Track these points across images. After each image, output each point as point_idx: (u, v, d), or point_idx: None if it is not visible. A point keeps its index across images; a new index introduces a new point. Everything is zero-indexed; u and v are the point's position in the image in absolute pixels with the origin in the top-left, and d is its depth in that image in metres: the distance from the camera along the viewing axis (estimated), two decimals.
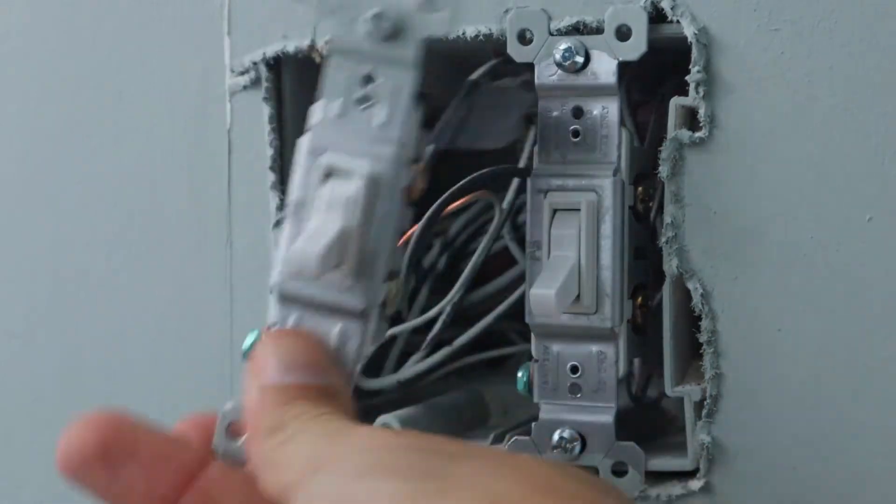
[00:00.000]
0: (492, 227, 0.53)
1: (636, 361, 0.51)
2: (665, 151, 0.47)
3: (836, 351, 0.47)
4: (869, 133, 0.46)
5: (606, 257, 0.47)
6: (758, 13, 0.47)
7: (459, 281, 0.54)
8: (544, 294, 0.45)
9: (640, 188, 0.49)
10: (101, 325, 0.57)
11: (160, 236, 0.56)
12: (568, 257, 0.47)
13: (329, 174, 0.41)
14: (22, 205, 0.59)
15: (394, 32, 0.41)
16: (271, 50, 0.53)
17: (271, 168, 0.54)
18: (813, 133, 0.46)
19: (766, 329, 0.47)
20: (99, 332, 0.57)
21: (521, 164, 0.50)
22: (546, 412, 0.49)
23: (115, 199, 0.57)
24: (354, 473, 0.33)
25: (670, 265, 0.48)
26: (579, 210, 0.47)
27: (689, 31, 0.47)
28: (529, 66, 0.49)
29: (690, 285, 0.48)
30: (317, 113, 0.42)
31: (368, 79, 0.42)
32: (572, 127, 0.48)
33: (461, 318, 0.55)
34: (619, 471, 0.49)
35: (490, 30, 0.49)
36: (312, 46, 0.52)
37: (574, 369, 0.48)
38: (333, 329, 0.41)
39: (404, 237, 0.44)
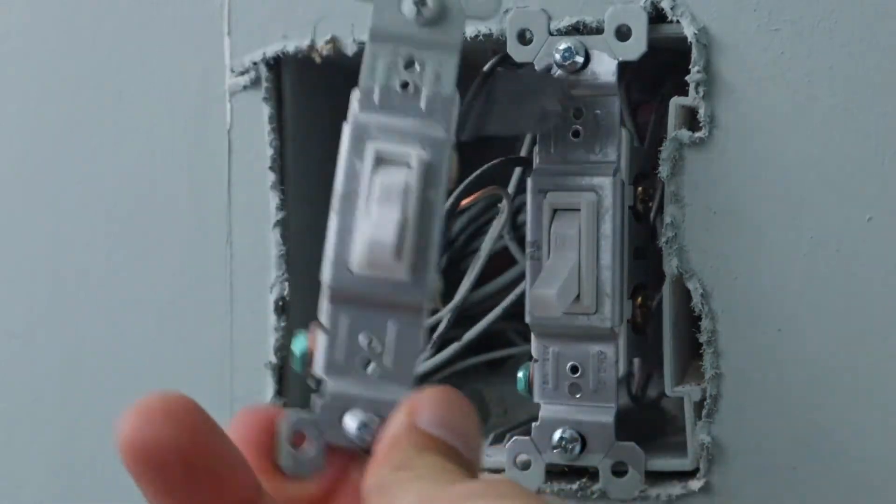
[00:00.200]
0: (501, 224, 0.52)
1: (636, 361, 0.51)
2: (665, 151, 0.47)
3: (836, 351, 0.47)
4: (869, 133, 0.46)
5: (606, 257, 0.47)
6: (758, 13, 0.47)
7: (468, 281, 0.53)
8: (545, 294, 0.45)
9: (640, 188, 0.49)
10: (101, 325, 0.57)
11: (160, 236, 0.56)
12: (568, 257, 0.47)
13: (378, 162, 0.39)
14: (22, 205, 0.59)
15: (438, 16, 0.41)
16: (271, 50, 0.53)
17: (271, 168, 0.54)
18: (813, 133, 0.46)
19: (766, 329, 0.47)
20: (99, 332, 0.57)
21: (522, 153, 0.50)
22: (546, 412, 0.49)
23: (115, 199, 0.57)
24: None
25: (670, 265, 0.48)
26: (579, 210, 0.47)
27: (689, 31, 0.47)
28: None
29: (690, 285, 0.48)
30: (356, 100, 0.41)
31: (409, 63, 0.40)
32: (572, 127, 0.48)
33: (462, 317, 0.55)
34: (619, 471, 0.49)
35: (490, 30, 0.49)
36: (312, 46, 0.52)
37: (574, 369, 0.48)
38: (389, 325, 0.39)
39: None
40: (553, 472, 0.50)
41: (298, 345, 0.41)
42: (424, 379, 0.56)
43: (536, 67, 0.48)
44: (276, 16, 0.53)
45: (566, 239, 0.47)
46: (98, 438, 0.57)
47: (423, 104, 0.40)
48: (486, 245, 0.53)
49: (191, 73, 0.55)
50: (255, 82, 0.54)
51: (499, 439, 0.53)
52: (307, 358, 0.40)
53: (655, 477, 0.49)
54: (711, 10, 0.47)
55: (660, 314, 0.49)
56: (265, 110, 0.54)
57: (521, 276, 0.51)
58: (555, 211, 0.48)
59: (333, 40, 0.52)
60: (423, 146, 0.39)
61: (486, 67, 0.48)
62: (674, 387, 0.48)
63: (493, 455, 0.51)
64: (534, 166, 0.49)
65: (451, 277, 0.55)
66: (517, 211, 0.56)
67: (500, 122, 0.46)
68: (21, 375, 0.59)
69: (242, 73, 0.54)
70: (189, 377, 0.55)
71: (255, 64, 0.53)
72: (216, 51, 0.54)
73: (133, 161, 0.56)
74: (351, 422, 0.39)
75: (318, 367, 0.40)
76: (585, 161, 0.48)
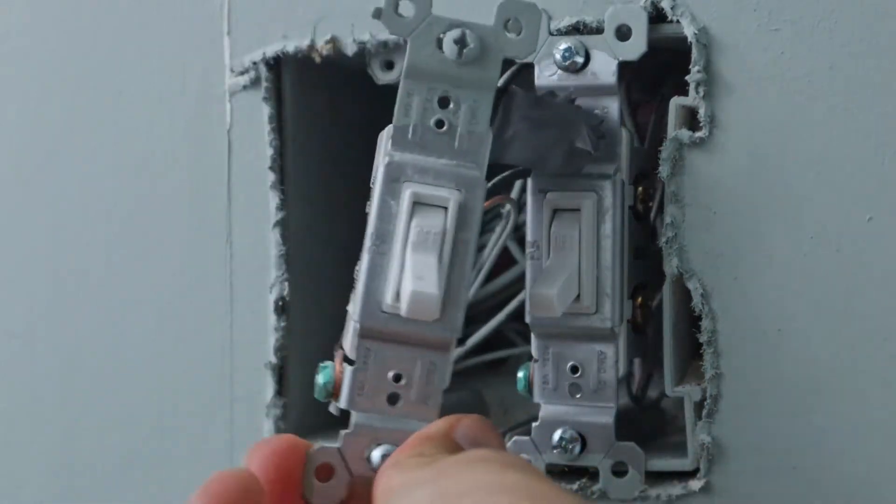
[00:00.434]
0: (506, 229, 0.52)
1: (636, 361, 0.51)
2: (665, 151, 0.47)
3: (836, 351, 0.47)
4: (869, 133, 0.46)
5: (606, 257, 0.47)
6: (758, 13, 0.47)
7: (473, 285, 0.53)
8: (545, 294, 0.45)
9: (640, 188, 0.49)
10: (101, 325, 0.57)
11: (160, 236, 0.56)
12: (568, 257, 0.47)
13: (416, 204, 0.40)
14: (22, 205, 0.59)
15: (478, 55, 0.40)
16: (271, 50, 0.53)
17: (271, 168, 0.54)
18: (813, 133, 0.46)
19: (766, 329, 0.47)
20: (99, 332, 0.57)
21: None
22: (546, 412, 0.49)
23: (115, 198, 0.57)
24: (426, 499, 0.34)
25: (670, 265, 0.48)
26: (579, 210, 0.47)
27: (689, 31, 0.47)
28: (529, 66, 0.49)
29: (690, 285, 0.48)
30: (388, 138, 0.41)
31: (444, 102, 0.41)
32: None
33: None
34: (619, 471, 0.49)
35: None
36: (312, 46, 0.52)
37: (574, 369, 0.48)
38: (417, 361, 0.40)
39: None
40: (553, 472, 0.50)
41: (324, 375, 0.41)
42: None
43: (536, 68, 0.48)
44: (276, 16, 0.53)
45: (566, 239, 0.47)
46: (98, 438, 0.57)
47: (457, 143, 0.40)
48: (490, 252, 0.53)
49: (191, 73, 0.55)
50: (255, 82, 0.54)
51: None
52: (331, 388, 0.41)
53: (655, 477, 0.49)
54: (711, 10, 0.47)
55: (660, 314, 0.49)
56: (265, 110, 0.54)
57: (522, 277, 0.51)
58: (555, 211, 0.48)
59: (333, 40, 0.52)
60: (458, 187, 0.39)
61: (499, 83, 0.48)
62: (674, 387, 0.48)
63: None
64: None
65: None
66: (517, 211, 0.56)
67: (523, 153, 0.44)
68: (21, 375, 0.59)
69: (242, 73, 0.54)
70: (189, 377, 0.55)
71: (255, 64, 0.53)
72: (216, 51, 0.54)
73: (133, 161, 0.56)
74: (375, 453, 0.40)
75: (344, 400, 0.41)
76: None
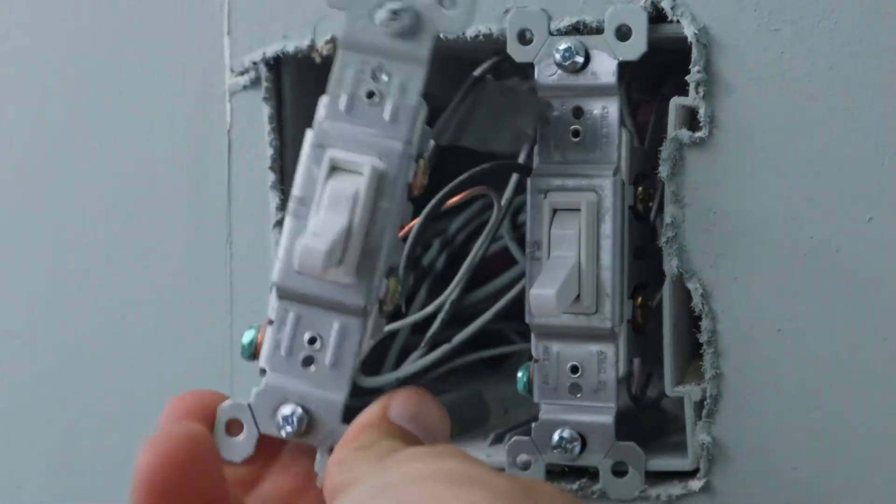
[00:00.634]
0: (490, 224, 0.52)
1: (636, 361, 0.51)
2: (665, 151, 0.47)
3: (836, 351, 0.47)
4: (869, 133, 0.46)
5: (606, 257, 0.47)
6: (758, 13, 0.47)
7: (458, 276, 0.54)
8: (544, 294, 0.45)
9: (640, 188, 0.49)
10: (101, 325, 0.57)
11: (160, 236, 0.56)
12: (568, 257, 0.47)
13: (333, 169, 0.41)
14: (22, 204, 0.59)
15: (410, 28, 0.41)
16: (271, 50, 0.53)
17: (271, 168, 0.54)
18: (813, 133, 0.46)
19: (766, 329, 0.47)
20: (99, 332, 0.57)
21: (520, 160, 0.50)
22: (546, 412, 0.49)
23: (115, 198, 0.57)
24: (370, 494, 0.35)
25: (670, 265, 0.48)
26: (579, 210, 0.47)
27: (689, 31, 0.47)
28: (529, 66, 0.49)
29: (690, 285, 0.48)
30: (323, 107, 0.42)
31: (377, 74, 0.41)
32: (572, 127, 0.48)
33: (462, 318, 0.55)
34: (619, 471, 0.49)
35: (490, 30, 0.49)
36: (312, 46, 0.52)
37: (574, 369, 0.48)
38: (332, 326, 0.41)
39: (402, 232, 0.44)
40: (553, 472, 0.50)
41: (248, 335, 0.43)
42: (424, 376, 0.56)
43: (536, 69, 0.48)
44: (276, 16, 0.53)
45: (566, 239, 0.47)
46: (98, 438, 0.57)
47: (386, 114, 0.41)
48: (479, 247, 0.53)
49: (191, 73, 0.55)
50: (255, 82, 0.54)
51: (499, 439, 0.53)
52: (253, 348, 0.43)
53: (655, 477, 0.49)
54: (711, 10, 0.47)
55: (660, 314, 0.49)
56: (265, 110, 0.54)
57: (521, 276, 0.51)
58: (555, 211, 0.48)
59: (333, 40, 0.52)
60: (378, 155, 0.40)
61: (477, 71, 0.49)
62: (674, 387, 0.48)
63: (493, 455, 0.51)
64: (534, 166, 0.49)
65: (451, 277, 0.55)
66: (517, 211, 0.56)
67: (475, 135, 0.46)
68: (21, 375, 0.59)
69: (242, 73, 0.54)
70: (189, 377, 0.55)
71: (255, 64, 0.53)
72: (216, 51, 0.54)
73: (133, 161, 0.56)
74: (281, 413, 0.41)
75: (262, 359, 0.42)
76: (585, 161, 0.48)
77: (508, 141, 0.47)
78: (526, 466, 0.49)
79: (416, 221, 0.48)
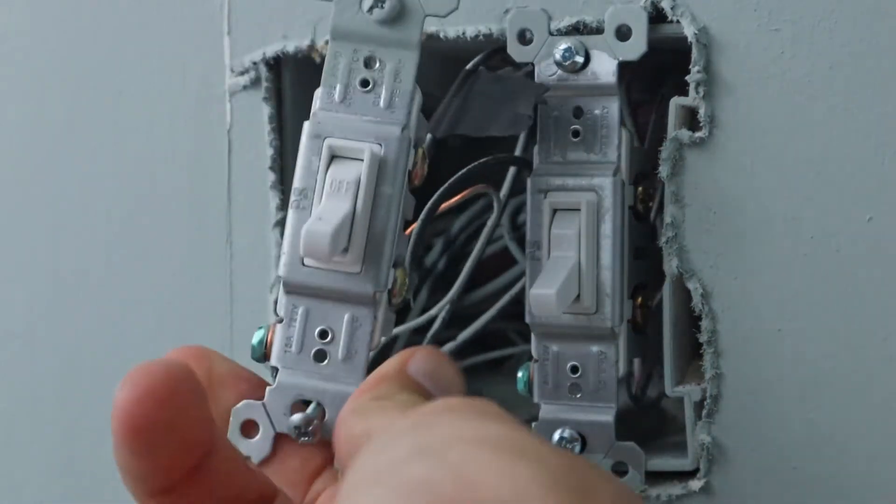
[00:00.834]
0: (491, 219, 0.52)
1: (636, 361, 0.51)
2: (665, 151, 0.47)
3: (836, 351, 0.47)
4: (869, 133, 0.46)
5: (606, 257, 0.47)
6: (758, 13, 0.47)
7: (460, 278, 0.54)
8: (545, 294, 0.45)
9: (640, 188, 0.49)
10: (101, 324, 0.57)
11: (160, 236, 0.56)
12: (568, 257, 0.47)
13: (333, 158, 0.40)
14: (22, 204, 0.59)
15: (397, 14, 0.41)
16: (271, 50, 0.53)
17: (271, 168, 0.54)
18: (813, 133, 0.46)
19: (766, 329, 0.47)
20: (99, 332, 0.57)
21: (517, 152, 0.50)
22: (546, 412, 0.49)
23: (115, 198, 0.57)
24: (408, 452, 0.31)
25: (670, 265, 0.48)
26: (579, 210, 0.47)
27: (689, 31, 0.47)
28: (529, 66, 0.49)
29: (690, 285, 0.48)
30: (318, 98, 0.42)
31: (370, 62, 0.41)
32: (572, 127, 0.48)
33: (461, 318, 0.55)
34: (619, 471, 0.49)
35: (490, 30, 0.49)
36: (312, 46, 0.52)
37: (574, 369, 0.48)
38: (343, 317, 0.41)
39: (406, 231, 0.44)
40: None
41: (257, 336, 0.43)
42: None
43: (536, 68, 0.48)
44: (276, 16, 0.53)
45: (566, 239, 0.47)
46: (98, 438, 0.57)
47: (382, 101, 0.41)
48: (480, 246, 0.53)
49: (191, 73, 0.55)
50: (255, 82, 0.54)
51: None
52: (264, 348, 0.42)
53: (655, 477, 0.49)
54: (711, 10, 0.47)
55: (660, 314, 0.49)
56: (265, 110, 0.54)
57: (521, 276, 0.51)
58: (555, 211, 0.48)
59: None
60: (377, 141, 0.40)
61: (469, 65, 0.49)
62: (674, 387, 0.48)
63: None
64: (534, 166, 0.49)
65: (452, 277, 0.55)
66: (517, 211, 0.56)
67: (473, 123, 0.46)
68: (21, 375, 0.59)
69: (242, 73, 0.54)
70: None
71: (255, 64, 0.53)
72: (216, 51, 0.54)
73: (133, 161, 0.56)
74: (296, 412, 0.41)
75: (273, 357, 0.42)
76: (585, 161, 0.48)
77: (506, 125, 0.47)
78: None
79: (417, 220, 0.48)
